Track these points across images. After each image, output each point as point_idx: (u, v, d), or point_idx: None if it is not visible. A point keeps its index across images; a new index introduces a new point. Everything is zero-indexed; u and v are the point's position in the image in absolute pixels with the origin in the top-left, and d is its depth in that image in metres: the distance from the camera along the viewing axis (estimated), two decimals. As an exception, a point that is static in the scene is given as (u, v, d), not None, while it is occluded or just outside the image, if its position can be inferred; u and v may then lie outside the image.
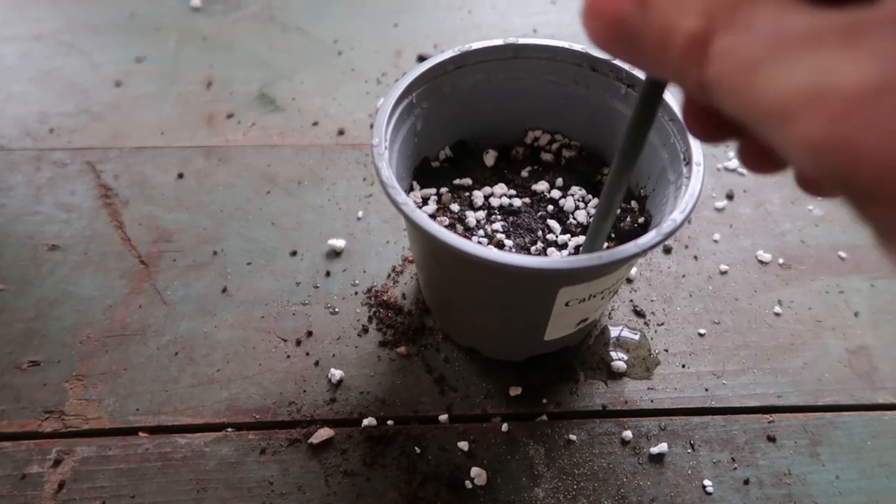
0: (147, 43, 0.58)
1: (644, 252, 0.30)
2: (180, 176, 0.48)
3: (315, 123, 0.53)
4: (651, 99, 0.25)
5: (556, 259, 0.30)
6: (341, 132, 0.52)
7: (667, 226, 0.31)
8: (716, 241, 0.47)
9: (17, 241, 0.44)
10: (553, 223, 0.38)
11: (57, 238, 0.44)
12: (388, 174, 0.32)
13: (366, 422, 0.37)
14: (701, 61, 0.15)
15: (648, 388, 0.40)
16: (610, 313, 0.43)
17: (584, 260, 0.30)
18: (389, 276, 0.44)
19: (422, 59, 0.58)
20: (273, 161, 0.50)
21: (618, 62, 0.39)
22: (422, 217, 0.31)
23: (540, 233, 0.37)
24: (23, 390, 0.38)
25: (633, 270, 0.45)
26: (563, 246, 0.37)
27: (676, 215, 0.32)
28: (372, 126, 0.53)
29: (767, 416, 0.39)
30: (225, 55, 0.58)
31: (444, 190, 0.39)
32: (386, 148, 0.34)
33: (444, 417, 0.38)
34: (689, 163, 0.34)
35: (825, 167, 0.13)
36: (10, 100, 0.53)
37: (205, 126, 0.52)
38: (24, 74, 0.55)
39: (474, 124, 0.42)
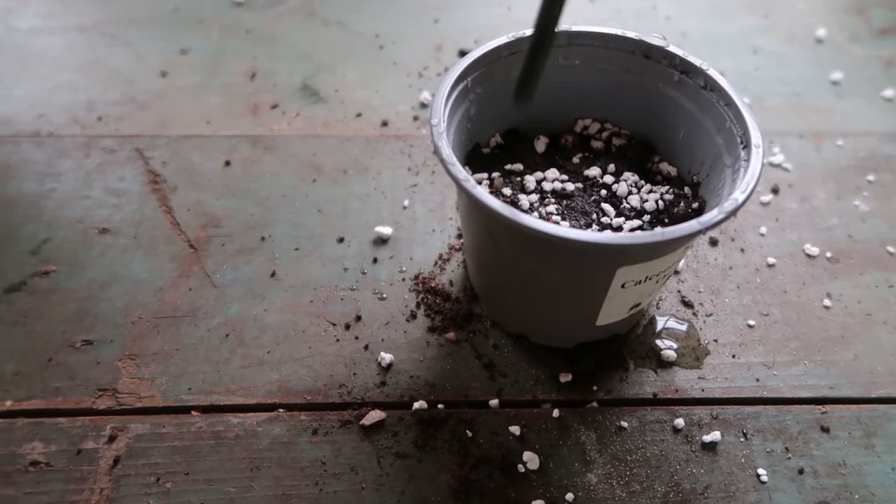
0: (191, 35, 0.59)
1: (706, 230, 0.30)
2: (227, 164, 0.49)
3: (358, 115, 0.53)
4: None
5: (619, 234, 0.30)
6: (384, 123, 0.52)
7: (728, 205, 0.31)
8: (762, 235, 0.46)
9: (68, 225, 0.44)
10: (607, 207, 0.38)
11: (107, 222, 0.45)
12: (448, 152, 0.33)
13: (416, 405, 0.37)
14: None
15: (699, 378, 0.39)
16: (658, 303, 0.43)
17: (648, 236, 0.30)
18: (436, 263, 0.44)
19: (463, 53, 0.59)
20: (318, 150, 0.50)
21: (672, 49, 0.39)
22: (483, 193, 0.31)
23: (594, 216, 0.37)
24: (77, 368, 0.38)
25: (681, 262, 0.45)
26: (619, 229, 0.37)
27: (738, 195, 0.31)
28: (415, 118, 0.53)
29: (820, 406, 0.39)
30: (268, 48, 0.58)
31: (495, 174, 0.39)
32: (445, 128, 0.34)
33: (494, 402, 0.38)
34: (746, 146, 0.34)
35: None
36: (58, 89, 0.54)
37: (250, 116, 0.52)
38: (70, 64, 0.56)
39: (525, 112, 0.42)
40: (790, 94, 0.57)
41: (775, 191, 0.49)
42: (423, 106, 0.54)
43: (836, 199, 0.49)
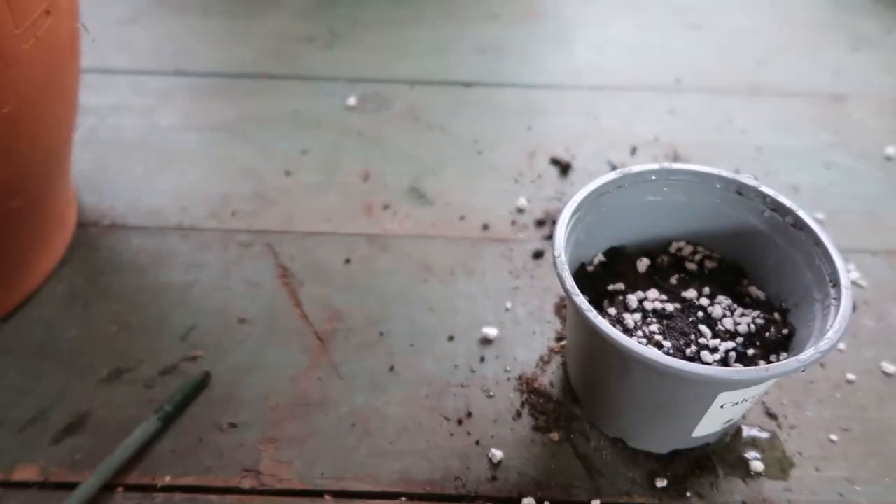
0: (310, 136, 0.66)
1: (804, 367, 0.34)
2: (347, 261, 0.54)
3: (462, 217, 0.59)
4: None
5: (727, 369, 0.34)
6: (486, 227, 0.58)
7: (823, 344, 0.35)
8: (841, 351, 0.50)
9: (212, 313, 0.50)
10: (704, 328, 0.42)
11: (244, 312, 0.51)
12: (572, 283, 0.37)
13: (525, 501, 0.41)
14: None
15: (785, 489, 0.43)
16: (745, 414, 0.46)
17: (752, 372, 0.34)
18: (538, 364, 0.48)
19: (555, 161, 0.64)
20: (428, 251, 0.55)
21: (763, 188, 0.43)
22: (604, 324, 0.35)
23: (692, 336, 0.41)
24: (224, 449, 0.43)
25: (764, 374, 0.48)
26: (715, 350, 0.41)
27: (832, 335, 0.36)
28: (513, 223, 0.58)
29: (901, 524, 0.41)
30: (378, 150, 0.65)
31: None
32: (566, 259, 0.39)
33: (596, 502, 0.41)
34: (836, 285, 0.38)
35: None
36: (196, 183, 0.61)
37: (364, 215, 0.58)
38: (206, 160, 0.63)
39: (624, 234, 0.47)
40: (863, 211, 0.61)
41: (852, 308, 0.53)
42: (520, 211, 0.59)
43: (911, 317, 0.52)
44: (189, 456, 0.43)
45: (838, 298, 0.38)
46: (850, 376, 0.48)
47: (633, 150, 0.66)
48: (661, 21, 0.86)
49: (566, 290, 0.37)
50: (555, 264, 0.38)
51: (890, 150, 0.67)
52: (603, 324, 0.35)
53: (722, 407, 0.38)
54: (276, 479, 0.42)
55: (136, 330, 0.49)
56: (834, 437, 0.45)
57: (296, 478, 0.42)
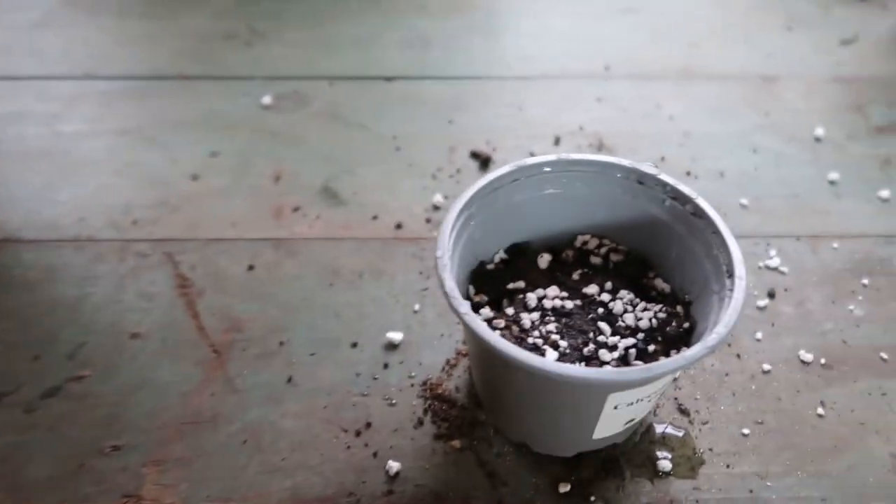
0: (221, 138, 0.63)
1: (690, 364, 0.33)
2: (251, 268, 0.52)
3: (375, 217, 0.56)
4: None
5: (607, 370, 0.32)
6: (399, 226, 0.56)
7: (711, 339, 0.33)
8: (758, 340, 0.48)
9: (103, 329, 0.48)
10: (603, 325, 0.40)
11: (138, 326, 0.48)
12: (452, 285, 0.35)
13: (422, 514, 0.39)
14: None
15: (693, 488, 0.41)
16: (655, 410, 0.45)
17: (634, 372, 0.32)
18: (444, 368, 0.46)
19: (474, 155, 0.62)
20: (337, 254, 0.53)
21: (663, 177, 0.42)
22: (483, 328, 0.33)
23: (591, 334, 0.40)
24: (105, 474, 0.41)
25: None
26: (614, 347, 0.39)
27: (720, 329, 0.34)
28: (427, 220, 0.56)
29: (812, 519, 0.40)
30: (292, 150, 0.62)
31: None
32: (449, 259, 0.37)
33: (496, 512, 0.40)
34: (731, 276, 0.37)
35: None
36: (98, 191, 0.58)
37: (273, 219, 0.56)
38: (110, 167, 0.60)
39: (527, 229, 0.45)
40: (788, 195, 0.59)
41: (771, 295, 0.51)
42: (436, 208, 0.57)
43: (832, 303, 0.51)
44: (67, 482, 0.40)
45: (732, 289, 0.36)
46: (766, 366, 0.47)
47: (557, 141, 0.64)
48: (594, 7, 0.84)
49: (444, 293, 0.35)
50: (436, 265, 0.37)
51: (819, 132, 0.66)
52: (481, 326, 0.34)
53: (616, 408, 0.36)
54: (158, 504, 0.40)
55: (20, 350, 0.47)
56: (746, 431, 0.43)
57: (179, 501, 0.40)
